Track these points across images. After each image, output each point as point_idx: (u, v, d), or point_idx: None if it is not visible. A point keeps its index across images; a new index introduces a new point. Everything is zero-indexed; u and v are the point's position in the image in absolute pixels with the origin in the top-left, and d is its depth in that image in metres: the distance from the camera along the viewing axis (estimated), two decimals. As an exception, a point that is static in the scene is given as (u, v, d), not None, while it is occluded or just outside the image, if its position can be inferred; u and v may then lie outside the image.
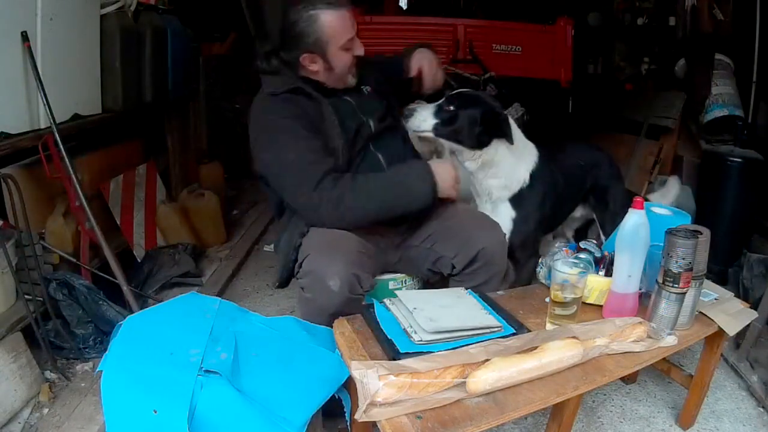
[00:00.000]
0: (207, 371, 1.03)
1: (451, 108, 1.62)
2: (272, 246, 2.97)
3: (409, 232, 1.60)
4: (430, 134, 1.65)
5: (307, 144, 1.39)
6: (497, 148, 1.66)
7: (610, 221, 1.92)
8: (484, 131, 1.62)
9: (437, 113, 1.64)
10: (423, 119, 1.64)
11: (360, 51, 1.48)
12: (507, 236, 1.64)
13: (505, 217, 1.72)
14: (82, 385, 1.67)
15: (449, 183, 1.45)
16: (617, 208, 1.95)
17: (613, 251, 1.30)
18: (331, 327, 1.27)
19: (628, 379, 1.75)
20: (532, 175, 1.74)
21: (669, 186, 2.35)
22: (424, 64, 1.67)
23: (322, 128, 1.44)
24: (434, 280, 1.66)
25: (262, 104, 1.48)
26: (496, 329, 1.16)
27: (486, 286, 1.48)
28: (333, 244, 1.36)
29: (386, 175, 1.46)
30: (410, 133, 1.69)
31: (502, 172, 1.71)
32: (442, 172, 1.44)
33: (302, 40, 1.42)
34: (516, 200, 1.74)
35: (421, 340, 1.09)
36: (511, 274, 1.77)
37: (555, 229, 2.09)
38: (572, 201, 1.99)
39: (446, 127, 1.63)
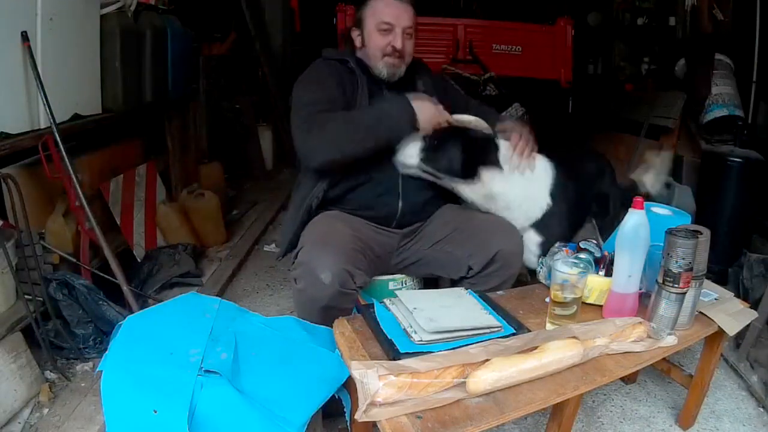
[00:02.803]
0: (207, 371, 1.03)
1: (435, 140, 1.49)
2: (272, 246, 2.98)
3: (410, 235, 1.60)
4: (415, 170, 1.52)
5: (327, 95, 1.50)
6: (492, 178, 1.52)
7: (609, 226, 1.91)
8: (468, 159, 1.49)
9: (423, 147, 1.49)
10: (409, 154, 1.49)
11: (397, 42, 1.55)
12: (534, 262, 1.58)
13: (532, 244, 1.61)
14: (82, 385, 1.67)
15: (427, 116, 1.46)
16: (616, 213, 1.95)
17: (613, 251, 1.30)
18: (323, 321, 1.29)
19: (628, 379, 1.75)
20: (552, 195, 1.63)
21: (650, 164, 2.17)
22: (515, 135, 1.59)
23: (353, 97, 1.54)
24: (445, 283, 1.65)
25: (313, 64, 1.63)
26: (496, 329, 1.16)
27: (499, 290, 1.47)
28: (328, 239, 1.39)
29: (370, 108, 1.51)
30: (400, 169, 1.54)
31: (514, 203, 1.57)
32: (422, 105, 1.46)
33: (357, 16, 1.63)
34: (539, 225, 1.62)
35: (421, 340, 1.09)
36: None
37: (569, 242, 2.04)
38: (584, 212, 1.92)
39: (430, 160, 1.49)
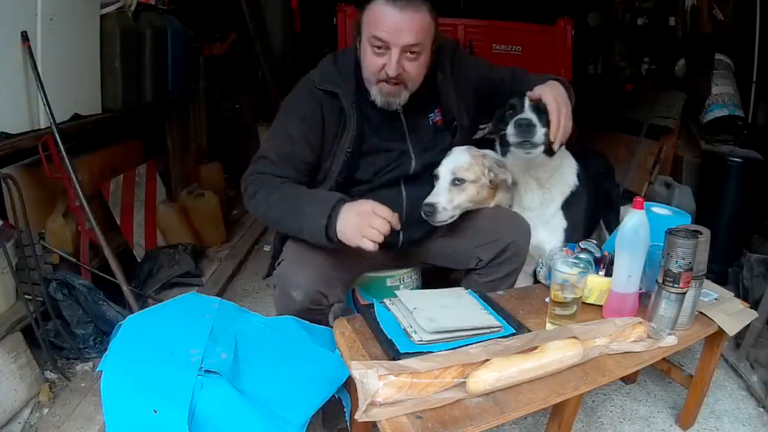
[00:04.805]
0: (207, 371, 1.03)
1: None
2: (272, 246, 2.98)
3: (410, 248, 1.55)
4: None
5: (289, 145, 1.35)
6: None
7: (614, 222, 1.92)
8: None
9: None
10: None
11: (390, 68, 1.29)
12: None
13: (557, 228, 1.63)
14: (82, 385, 1.67)
15: (353, 228, 1.20)
16: (618, 210, 1.97)
17: (613, 251, 1.30)
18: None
19: (628, 379, 1.75)
20: (578, 176, 1.65)
21: None
22: (547, 96, 1.35)
23: (336, 141, 1.37)
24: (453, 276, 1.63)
25: (300, 87, 1.42)
26: (496, 329, 1.16)
27: (506, 280, 1.48)
28: (306, 256, 1.30)
29: (298, 197, 1.30)
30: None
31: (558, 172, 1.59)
32: (349, 217, 1.21)
33: (357, 19, 1.37)
34: (566, 208, 1.64)
35: (421, 340, 1.09)
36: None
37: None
38: (600, 209, 1.92)
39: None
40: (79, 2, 1.95)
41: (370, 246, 1.18)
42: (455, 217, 1.49)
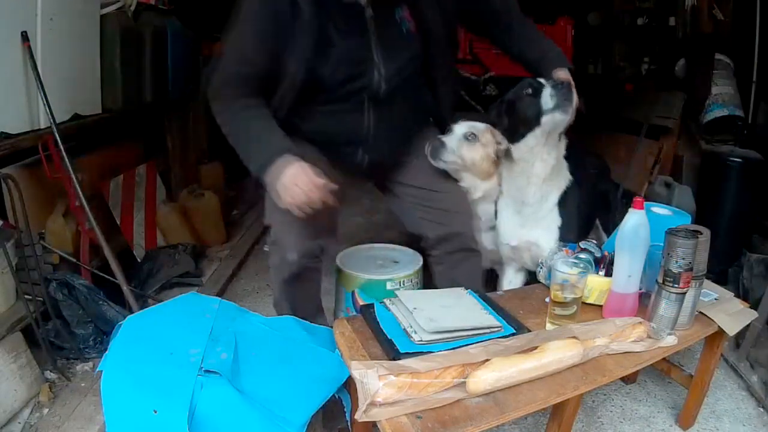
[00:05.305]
0: (207, 371, 1.03)
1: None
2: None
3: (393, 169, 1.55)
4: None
5: (249, 40, 1.28)
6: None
7: (611, 223, 1.92)
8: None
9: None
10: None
11: None
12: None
13: (552, 225, 1.64)
14: (82, 385, 1.67)
15: (285, 191, 1.23)
16: (616, 210, 1.97)
17: (613, 251, 1.30)
18: (287, 290, 1.44)
19: (628, 379, 1.75)
20: (571, 172, 1.66)
21: None
22: (569, 79, 1.45)
23: (291, 33, 1.27)
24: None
25: None
26: (496, 329, 1.16)
27: (467, 275, 1.49)
28: (289, 215, 1.29)
29: (250, 133, 1.31)
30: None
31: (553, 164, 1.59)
32: (286, 178, 1.22)
33: None
34: (562, 204, 1.65)
35: (421, 340, 1.09)
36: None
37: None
38: (595, 209, 1.93)
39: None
40: (79, 2, 1.95)
41: (297, 214, 1.24)
42: (457, 167, 1.59)
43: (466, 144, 1.60)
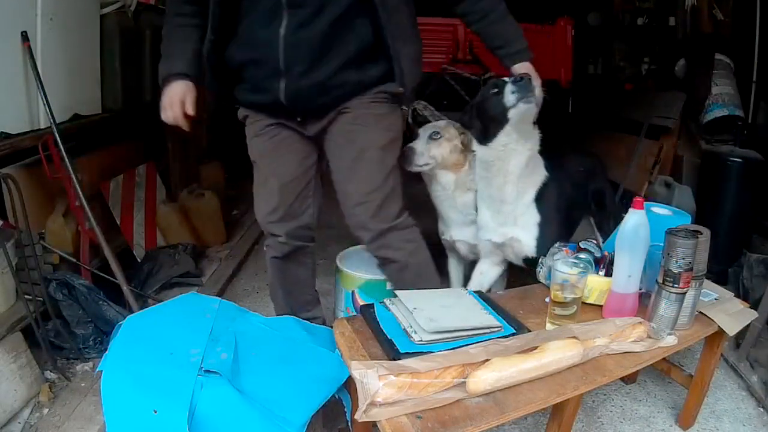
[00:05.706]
0: (207, 371, 1.03)
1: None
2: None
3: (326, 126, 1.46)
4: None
5: None
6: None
7: (606, 223, 1.93)
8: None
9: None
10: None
11: None
12: (533, 245, 1.64)
13: (531, 222, 1.65)
14: (82, 385, 1.67)
15: (164, 102, 1.48)
16: (612, 210, 1.97)
17: (613, 251, 1.30)
18: (276, 269, 1.56)
19: (628, 379, 1.75)
20: (547, 167, 1.68)
21: None
22: (530, 72, 1.49)
23: None
24: None
25: None
26: (496, 329, 1.16)
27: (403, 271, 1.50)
28: (270, 200, 1.57)
29: (165, 44, 1.47)
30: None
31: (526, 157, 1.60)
32: (170, 90, 1.46)
33: None
34: (539, 201, 1.66)
35: (421, 340, 1.09)
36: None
37: (568, 239, 2.04)
38: (581, 208, 1.94)
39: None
40: (79, 2, 1.95)
41: (170, 120, 1.52)
42: (431, 166, 1.76)
43: (433, 144, 1.76)
